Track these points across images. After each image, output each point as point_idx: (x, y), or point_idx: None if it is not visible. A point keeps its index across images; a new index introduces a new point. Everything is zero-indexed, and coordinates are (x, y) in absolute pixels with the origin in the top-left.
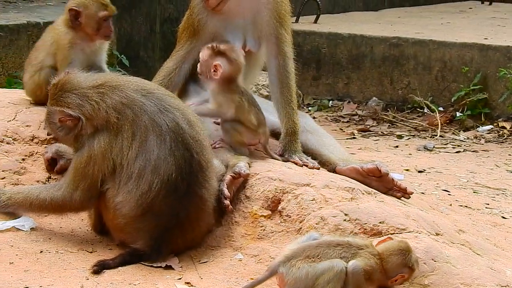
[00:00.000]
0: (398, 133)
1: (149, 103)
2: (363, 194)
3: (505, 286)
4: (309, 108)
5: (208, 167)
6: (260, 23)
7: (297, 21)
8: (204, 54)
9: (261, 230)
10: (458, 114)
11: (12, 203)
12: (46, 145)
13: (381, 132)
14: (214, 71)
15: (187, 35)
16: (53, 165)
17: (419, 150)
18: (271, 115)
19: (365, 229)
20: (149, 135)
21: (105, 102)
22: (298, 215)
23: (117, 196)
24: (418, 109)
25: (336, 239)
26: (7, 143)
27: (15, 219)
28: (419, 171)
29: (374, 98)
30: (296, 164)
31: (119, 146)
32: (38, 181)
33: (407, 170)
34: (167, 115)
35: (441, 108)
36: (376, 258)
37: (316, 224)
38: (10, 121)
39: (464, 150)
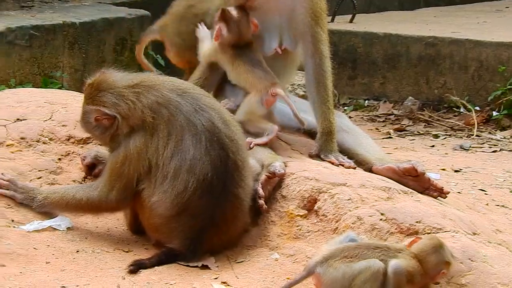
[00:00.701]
0: (434, 132)
1: (184, 102)
2: (400, 193)
3: None
4: (345, 108)
5: (244, 167)
6: (295, 21)
7: (332, 20)
8: (217, 14)
9: (297, 229)
10: (494, 113)
11: (48, 202)
12: (82, 145)
13: (417, 132)
14: (216, 35)
15: None
16: (92, 170)
17: (455, 149)
18: (307, 115)
19: (401, 228)
20: (185, 134)
21: (141, 101)
22: (334, 214)
23: (152, 196)
24: (454, 109)
25: (375, 242)
26: (43, 142)
27: (52, 218)
28: (456, 171)
29: (410, 97)
30: (332, 163)
31: (154, 146)
32: (74, 181)
33: (443, 169)
34: (202, 115)
35: (477, 108)
36: (415, 261)
37: (353, 223)
38: (46, 120)
39: (501, 150)
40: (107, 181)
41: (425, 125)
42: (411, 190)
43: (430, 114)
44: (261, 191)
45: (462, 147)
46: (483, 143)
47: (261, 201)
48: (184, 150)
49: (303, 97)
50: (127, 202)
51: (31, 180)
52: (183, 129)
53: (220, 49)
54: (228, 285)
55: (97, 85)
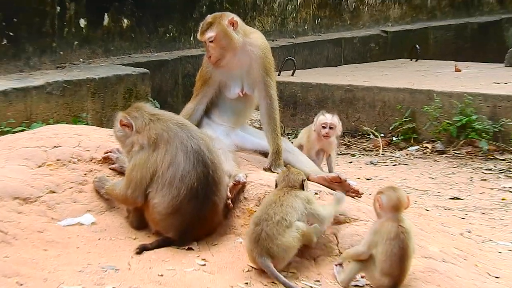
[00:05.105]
0: (352, 152)
1: (181, 131)
2: (327, 194)
3: (428, 257)
4: (288, 136)
5: (220, 182)
6: (252, 73)
7: (279, 74)
8: None
9: None
10: (394, 138)
11: (105, 192)
12: (101, 164)
13: (340, 152)
14: None
15: (201, 83)
16: (109, 162)
17: (367, 164)
18: (262, 141)
19: None
20: (178, 152)
21: (149, 124)
22: None
23: (155, 198)
24: (366, 136)
25: None
26: (73, 163)
27: (80, 216)
28: (367, 179)
29: None
30: None
31: (154, 158)
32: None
33: (358, 178)
34: (193, 140)
35: (382, 135)
36: None
37: None
38: (75, 147)
39: (399, 164)
40: (124, 182)
41: (345, 147)
42: (335, 192)
43: (349, 139)
44: (229, 194)
45: (371, 163)
46: (386, 160)
47: (229, 201)
48: (177, 164)
49: (259, 128)
50: (139, 199)
51: (64, 190)
52: (178, 148)
53: None
54: (206, 261)
55: (137, 105)
